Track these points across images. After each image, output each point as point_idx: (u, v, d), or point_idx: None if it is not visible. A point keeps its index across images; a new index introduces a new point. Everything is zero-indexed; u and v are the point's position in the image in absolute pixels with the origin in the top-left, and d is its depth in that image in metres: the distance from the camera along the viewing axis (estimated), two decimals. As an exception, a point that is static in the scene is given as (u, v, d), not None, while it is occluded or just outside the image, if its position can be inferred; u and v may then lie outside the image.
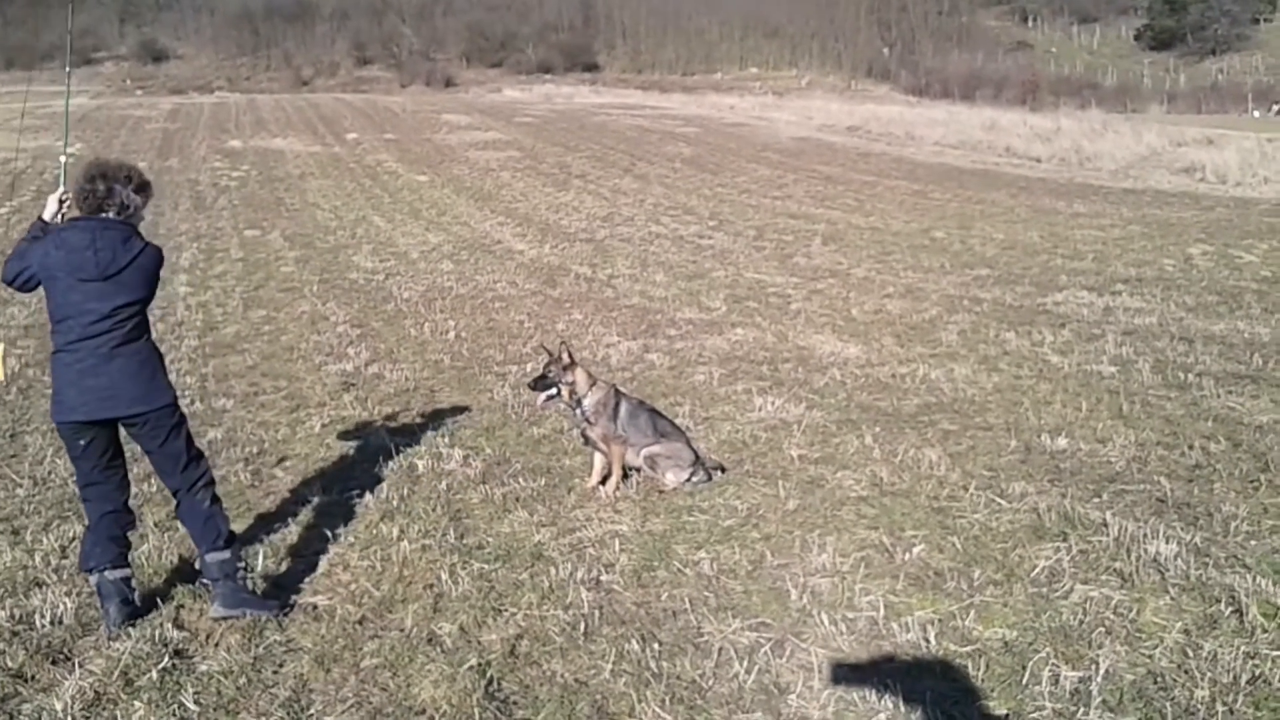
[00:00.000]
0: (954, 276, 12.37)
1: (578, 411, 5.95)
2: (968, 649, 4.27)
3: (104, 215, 4.45)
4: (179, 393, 7.93)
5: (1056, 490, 5.89)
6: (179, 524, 4.90)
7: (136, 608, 4.57)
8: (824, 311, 10.62)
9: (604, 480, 6.01)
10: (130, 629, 4.43)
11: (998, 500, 5.75)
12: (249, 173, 23.35)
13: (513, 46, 76.95)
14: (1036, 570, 4.92)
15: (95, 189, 4.44)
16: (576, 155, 27.31)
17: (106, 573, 4.50)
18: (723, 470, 6.20)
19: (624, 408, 5.99)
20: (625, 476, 6.00)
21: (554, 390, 5.93)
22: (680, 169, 24.82)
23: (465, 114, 39.68)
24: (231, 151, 27.15)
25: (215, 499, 4.72)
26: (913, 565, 5.00)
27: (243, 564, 4.79)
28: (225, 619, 4.49)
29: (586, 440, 6.07)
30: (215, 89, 61.85)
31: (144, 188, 4.59)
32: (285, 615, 4.59)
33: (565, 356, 5.93)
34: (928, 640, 4.34)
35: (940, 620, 4.49)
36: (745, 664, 4.16)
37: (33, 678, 4.15)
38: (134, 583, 4.63)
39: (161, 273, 4.65)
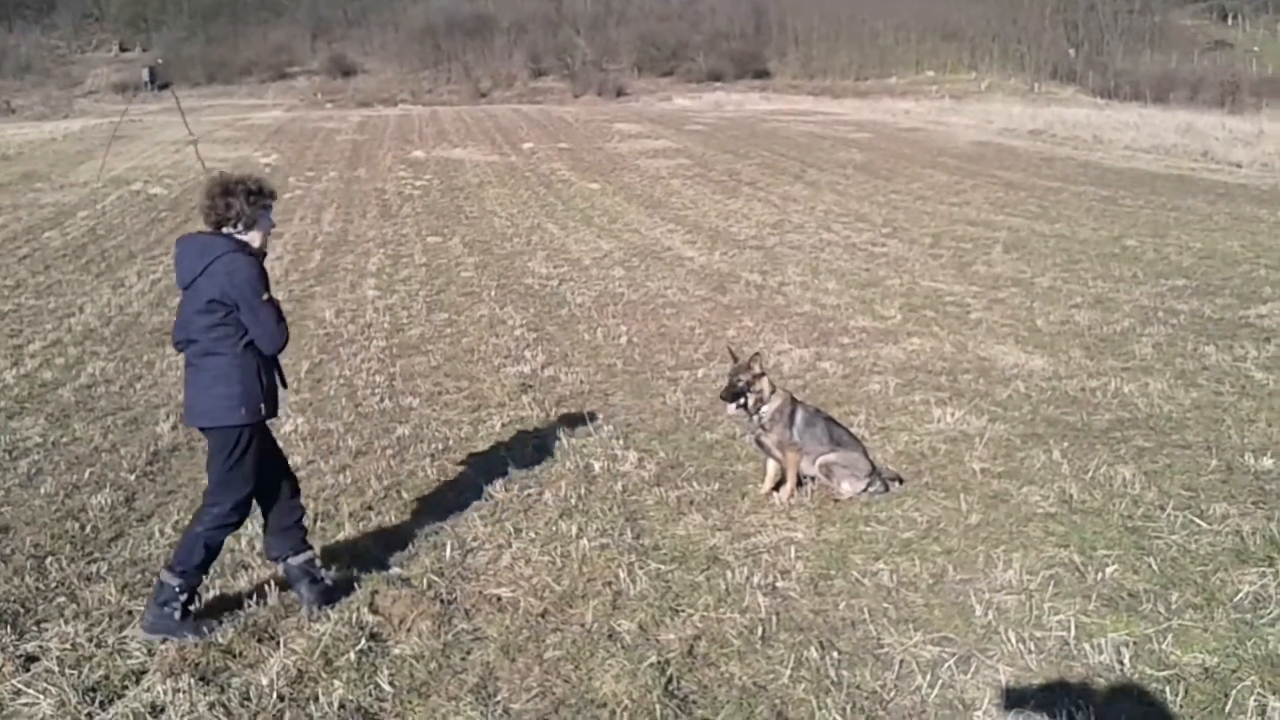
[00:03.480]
0: (1147, 287, 11.76)
1: (754, 418, 5.94)
2: (1165, 674, 4.08)
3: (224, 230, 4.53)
4: (370, 390, 8.37)
5: (1262, 513, 5.54)
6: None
7: (328, 586, 4.82)
8: (1006, 321, 10.27)
9: (777, 487, 5.99)
10: (329, 610, 4.68)
11: (1197, 521, 5.45)
12: (431, 182, 24.26)
13: (683, 55, 77.24)
14: (1240, 595, 4.65)
15: (215, 205, 4.51)
16: (746, 162, 27.26)
17: (290, 559, 4.77)
18: (900, 481, 6.09)
19: (800, 415, 5.95)
20: (800, 485, 5.96)
21: (744, 399, 5.93)
22: (852, 175, 24.43)
23: (636, 123, 40.18)
24: (415, 161, 28.30)
25: (204, 532, 4.57)
26: (1105, 586, 4.79)
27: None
28: (146, 640, 4.51)
29: (761, 446, 6.06)
30: (400, 101, 64.45)
31: (255, 194, 4.56)
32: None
33: (756, 366, 5.92)
34: (1122, 663, 4.16)
35: (1135, 643, 4.30)
36: (928, 678, 4.08)
37: (240, 654, 4.44)
38: (319, 562, 4.88)
39: (247, 284, 4.43)
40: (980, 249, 14.58)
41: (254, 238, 4.59)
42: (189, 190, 22.72)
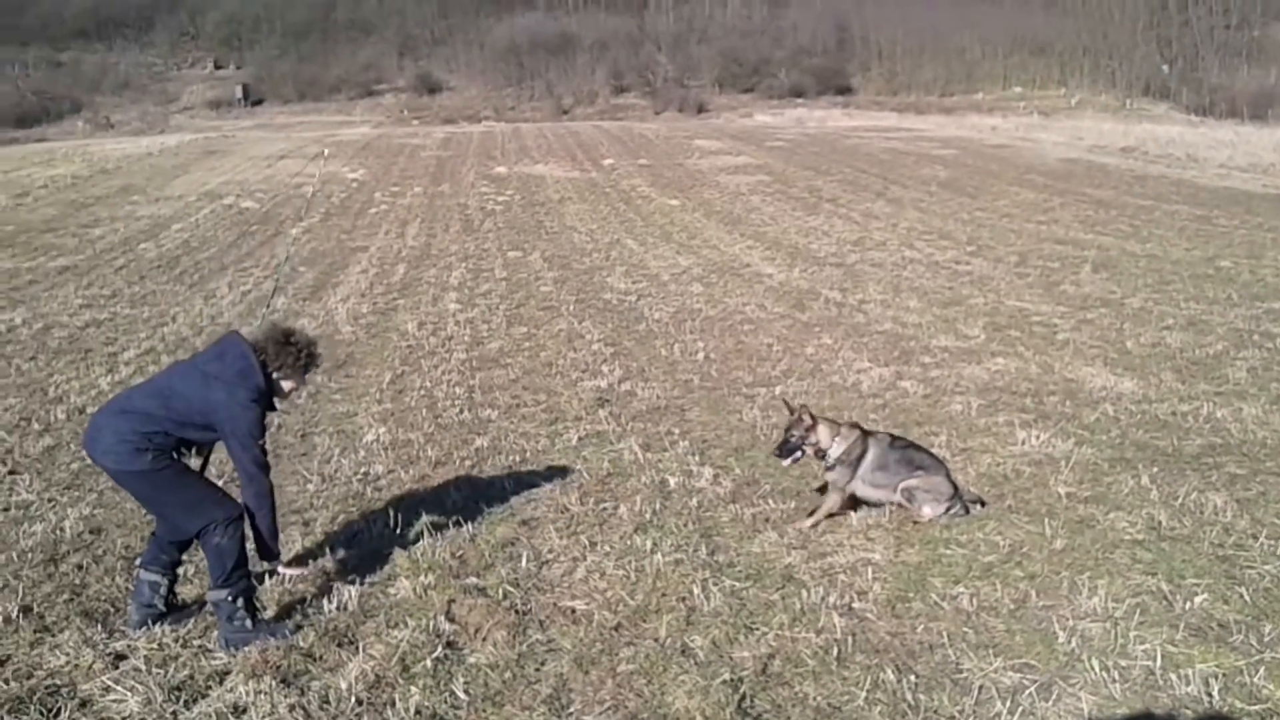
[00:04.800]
0: (1242, 309, 11.39)
1: (824, 461, 5.88)
2: (1256, 708, 3.95)
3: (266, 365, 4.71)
4: (450, 401, 8.49)
5: (1360, 545, 5.32)
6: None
7: (161, 612, 4.86)
8: (1095, 343, 10.02)
9: (855, 506, 5.91)
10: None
11: (1293, 552, 5.25)
12: (513, 197, 24.58)
13: (765, 71, 76.99)
14: (1338, 631, 4.47)
15: (268, 348, 4.74)
16: (827, 179, 27.10)
17: (141, 571, 4.88)
18: (982, 504, 5.97)
19: (871, 453, 5.83)
20: (832, 516, 5.84)
21: (799, 453, 5.88)
22: (936, 192, 24.11)
23: (716, 139, 40.22)
24: (497, 177, 28.69)
25: (221, 543, 4.65)
26: (1194, 615, 4.64)
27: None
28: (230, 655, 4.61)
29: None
30: (483, 118, 65.37)
31: (305, 358, 4.84)
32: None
33: (806, 418, 5.85)
34: (1210, 695, 4.04)
35: (1225, 675, 4.16)
36: (1008, 704, 3.99)
37: (320, 658, 4.53)
38: (164, 590, 4.90)
39: (245, 427, 4.59)
40: (1068, 268, 14.28)
41: (288, 385, 4.88)
42: (279, 204, 23.39)
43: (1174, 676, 4.15)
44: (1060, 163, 30.77)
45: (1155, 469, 6.48)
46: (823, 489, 6.02)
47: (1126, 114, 58.47)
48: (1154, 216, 19.68)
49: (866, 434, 5.95)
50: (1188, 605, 4.72)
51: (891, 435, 6.11)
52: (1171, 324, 10.75)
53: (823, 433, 5.85)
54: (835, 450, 5.81)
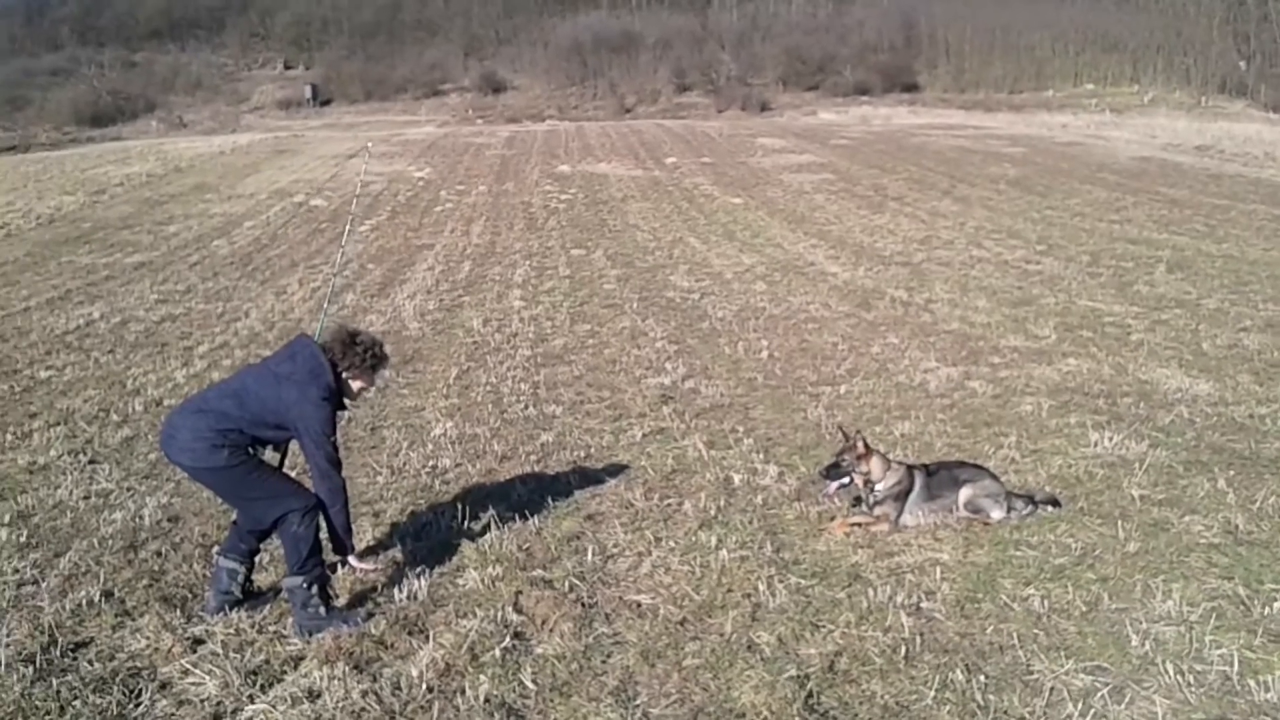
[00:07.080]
0: (1324, 310, 11.07)
1: (870, 495, 5.82)
2: (1341, 719, 3.83)
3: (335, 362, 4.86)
4: (515, 397, 8.58)
5: None
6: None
7: (237, 599, 4.99)
8: (1169, 344, 9.81)
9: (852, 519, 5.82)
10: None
11: (1378, 559, 5.10)
12: (576, 195, 24.70)
13: (830, 69, 76.23)
14: None
15: (334, 348, 4.90)
16: (892, 177, 26.81)
17: (220, 559, 5.02)
18: (1056, 504, 5.88)
19: (916, 491, 5.78)
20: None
21: (846, 479, 5.83)
22: (1005, 191, 23.75)
23: (780, 137, 39.97)
24: (561, 176, 28.84)
25: (296, 531, 4.77)
26: (1273, 621, 4.54)
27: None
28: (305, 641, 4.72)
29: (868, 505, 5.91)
30: (547, 117, 65.70)
31: (371, 359, 4.95)
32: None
33: (860, 446, 5.80)
34: (1292, 704, 3.93)
35: (1307, 684, 4.05)
36: (1079, 706, 3.93)
37: (392, 646, 4.62)
38: (241, 577, 5.02)
39: (317, 424, 4.72)
40: (1142, 268, 13.99)
41: (356, 385, 5.01)
42: (348, 202, 23.71)
43: (1252, 682, 4.06)
44: (1133, 161, 30.11)
45: (1232, 472, 6.34)
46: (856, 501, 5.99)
47: (1201, 111, 57.00)
48: (1230, 216, 19.18)
49: (911, 469, 5.91)
50: (1266, 610, 4.61)
51: (926, 466, 6.04)
52: (1249, 325, 10.49)
53: (875, 465, 5.80)
54: (884, 485, 5.78)
